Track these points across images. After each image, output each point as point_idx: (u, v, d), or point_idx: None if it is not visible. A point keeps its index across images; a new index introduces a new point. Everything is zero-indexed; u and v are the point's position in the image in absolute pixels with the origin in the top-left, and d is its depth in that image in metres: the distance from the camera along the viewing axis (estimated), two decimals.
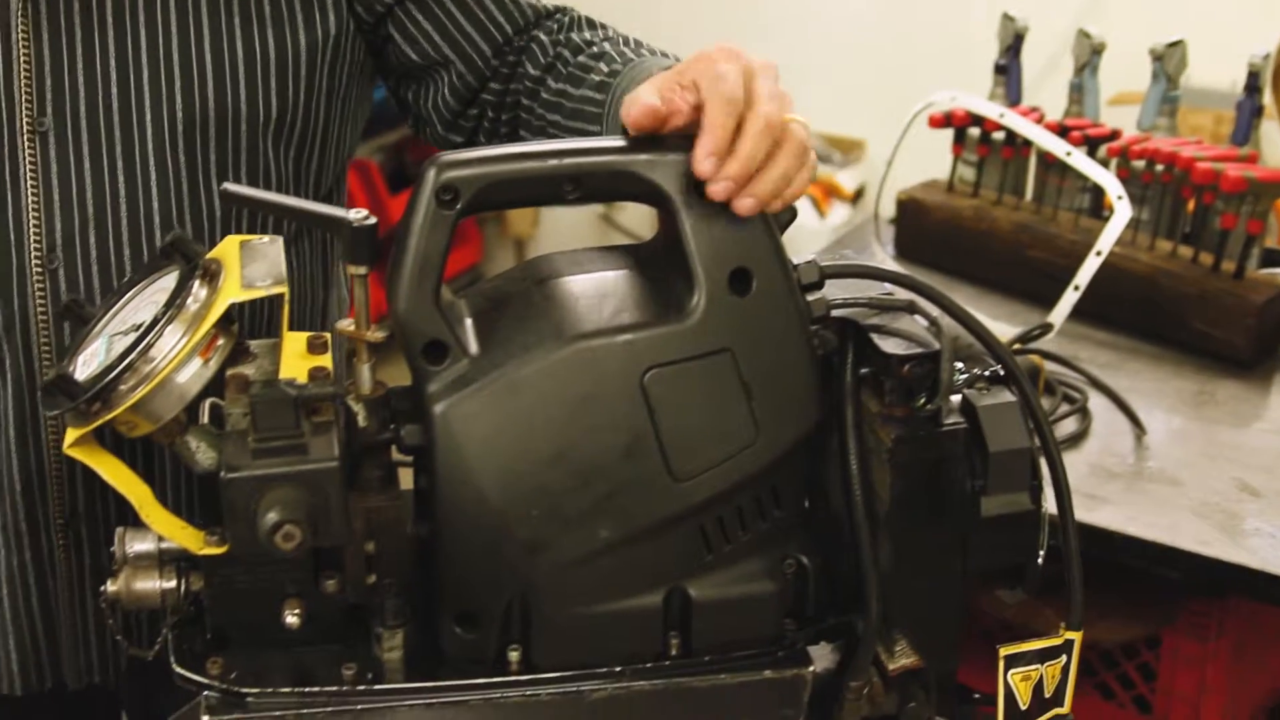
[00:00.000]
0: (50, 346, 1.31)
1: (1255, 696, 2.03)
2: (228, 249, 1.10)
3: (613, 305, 1.05)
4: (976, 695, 1.13)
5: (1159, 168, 2.17)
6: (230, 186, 1.11)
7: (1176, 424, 1.99)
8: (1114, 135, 2.24)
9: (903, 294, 1.09)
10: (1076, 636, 1.09)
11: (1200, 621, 1.86)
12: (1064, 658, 1.09)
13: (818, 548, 1.08)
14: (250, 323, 1.34)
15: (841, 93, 4.03)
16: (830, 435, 1.08)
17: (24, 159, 1.28)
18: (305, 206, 1.09)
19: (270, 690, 1.01)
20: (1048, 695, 1.09)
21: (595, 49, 1.36)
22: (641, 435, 1.01)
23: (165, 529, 1.03)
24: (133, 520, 1.04)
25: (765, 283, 1.03)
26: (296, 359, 1.06)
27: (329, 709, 1.01)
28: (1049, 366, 2.04)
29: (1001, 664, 1.07)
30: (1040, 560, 1.07)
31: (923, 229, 2.44)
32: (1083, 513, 1.73)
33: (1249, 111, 2.26)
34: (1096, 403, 2.01)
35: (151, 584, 1.03)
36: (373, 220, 1.03)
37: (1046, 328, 2.06)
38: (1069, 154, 2.17)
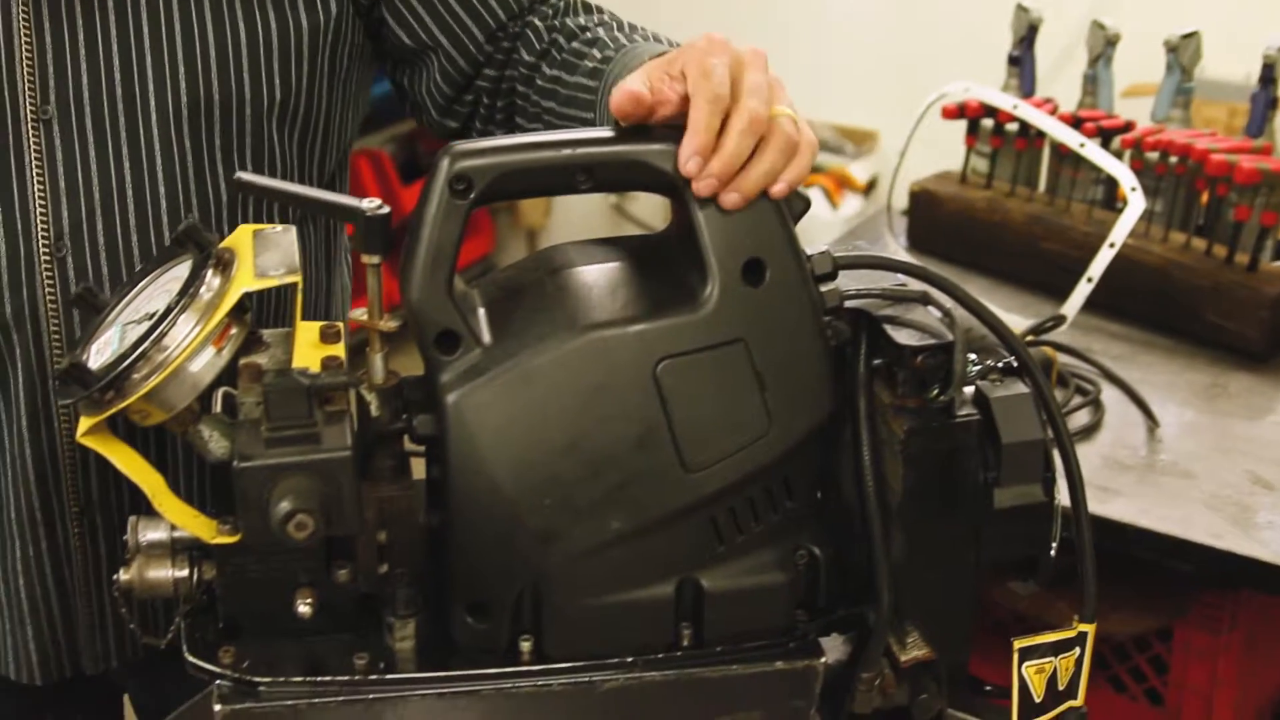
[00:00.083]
0: (60, 335, 1.31)
1: (1267, 689, 2.02)
2: (241, 238, 1.10)
3: (625, 295, 1.05)
4: (988, 687, 1.13)
5: (1173, 159, 2.17)
6: (244, 175, 1.11)
7: (1189, 416, 1.99)
8: (1128, 127, 2.23)
9: (916, 285, 1.09)
10: (1090, 629, 1.08)
11: (1212, 614, 1.85)
12: (1077, 650, 1.09)
13: (830, 539, 1.08)
14: (261, 310, 1.34)
15: (854, 84, 4.03)
16: (843, 426, 1.08)
17: (29, 147, 1.28)
18: (320, 196, 1.08)
19: (282, 679, 1.02)
20: (1061, 688, 1.09)
21: (589, 34, 1.36)
22: (654, 426, 1.01)
23: (178, 518, 1.03)
24: (146, 509, 1.05)
25: (779, 273, 1.03)
26: (309, 348, 1.06)
27: (341, 698, 1.01)
28: (1062, 358, 2.04)
29: (1016, 656, 1.07)
30: (1053, 552, 1.07)
31: (936, 220, 2.44)
32: (1095, 505, 1.71)
33: (1263, 103, 2.25)
34: (1109, 395, 2.01)
35: (164, 573, 1.03)
36: (386, 210, 1.03)
37: (1059, 320, 2.06)
38: (1083, 145, 2.16)
